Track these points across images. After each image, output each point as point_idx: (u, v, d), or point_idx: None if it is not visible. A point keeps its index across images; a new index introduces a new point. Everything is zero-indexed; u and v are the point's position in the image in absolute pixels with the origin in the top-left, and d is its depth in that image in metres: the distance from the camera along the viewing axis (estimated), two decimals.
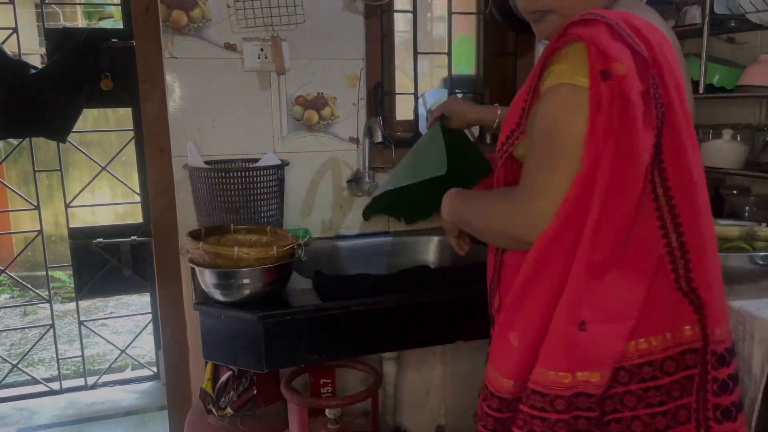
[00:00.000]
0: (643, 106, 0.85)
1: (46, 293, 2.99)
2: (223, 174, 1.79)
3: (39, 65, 2.60)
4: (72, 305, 4.02)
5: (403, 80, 2.30)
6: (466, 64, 2.43)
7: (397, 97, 2.23)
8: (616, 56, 0.84)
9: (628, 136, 0.85)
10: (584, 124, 0.86)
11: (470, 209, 1.10)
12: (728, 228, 1.51)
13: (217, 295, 1.45)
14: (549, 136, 0.89)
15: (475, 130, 2.25)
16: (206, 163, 1.87)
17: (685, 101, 0.91)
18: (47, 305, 2.99)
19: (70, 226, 2.76)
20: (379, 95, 2.09)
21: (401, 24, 2.35)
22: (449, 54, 2.25)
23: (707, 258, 0.93)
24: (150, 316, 3.00)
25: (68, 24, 4.68)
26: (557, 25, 0.96)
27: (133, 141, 2.73)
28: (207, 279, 1.44)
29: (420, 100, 2.23)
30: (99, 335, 3.20)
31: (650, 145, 0.87)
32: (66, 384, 2.99)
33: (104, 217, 4.35)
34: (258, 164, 1.86)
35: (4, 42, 2.58)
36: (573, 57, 0.88)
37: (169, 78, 1.92)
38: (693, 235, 0.92)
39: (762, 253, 1.40)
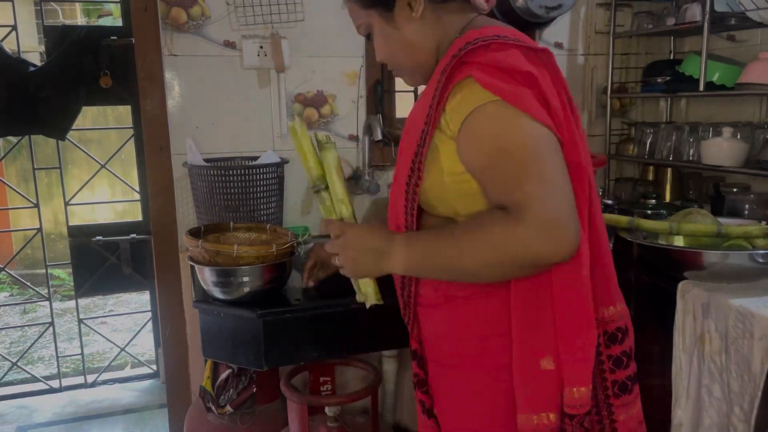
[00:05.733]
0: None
1: (46, 291, 2.99)
2: (222, 172, 1.78)
3: (38, 63, 2.60)
4: (71, 303, 4.02)
5: None
6: None
7: (396, 95, 2.22)
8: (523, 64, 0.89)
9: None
10: (529, 126, 0.87)
11: (443, 254, 0.93)
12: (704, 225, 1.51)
13: (217, 293, 1.45)
14: (505, 152, 0.87)
15: None
16: (206, 160, 1.87)
17: (574, 109, 0.98)
18: (47, 303, 2.99)
19: (70, 224, 2.75)
20: (379, 93, 2.09)
21: None
22: None
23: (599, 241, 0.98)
24: (149, 314, 3.00)
25: (67, 21, 4.68)
26: (424, 76, 1.03)
27: (132, 139, 2.73)
28: (206, 277, 1.44)
29: None
30: (98, 333, 3.20)
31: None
32: (65, 382, 2.99)
33: (104, 215, 4.35)
34: (257, 162, 1.86)
35: (3, 40, 2.57)
36: (470, 86, 0.89)
37: (168, 75, 1.92)
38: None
39: (762, 251, 1.40)
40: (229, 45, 1.95)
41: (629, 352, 1.02)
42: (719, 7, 1.82)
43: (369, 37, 1.08)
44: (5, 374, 3.06)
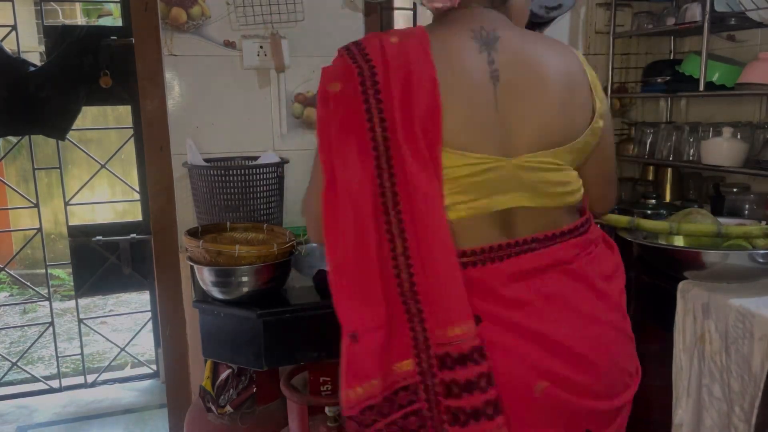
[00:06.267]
0: (353, 120, 0.90)
1: (46, 291, 2.99)
2: (222, 172, 1.78)
3: (38, 63, 2.60)
4: (71, 303, 4.02)
5: None
6: None
7: None
8: (331, 78, 0.94)
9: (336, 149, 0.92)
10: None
11: None
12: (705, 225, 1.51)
13: (216, 292, 1.45)
14: None
15: None
16: (206, 160, 1.87)
17: (413, 120, 0.88)
18: (47, 303, 2.99)
19: (70, 224, 2.75)
20: None
21: (401, 21, 2.35)
22: None
23: (432, 262, 0.90)
24: (149, 314, 2.99)
25: (67, 21, 4.68)
26: None
27: (132, 138, 2.73)
28: (205, 277, 1.44)
29: None
30: (98, 333, 3.20)
31: (358, 159, 0.90)
32: (65, 382, 2.99)
33: (103, 215, 4.35)
34: (257, 162, 1.86)
35: (3, 40, 2.57)
36: None
37: (168, 75, 1.92)
38: (417, 240, 0.90)
39: (762, 251, 1.40)
40: (229, 45, 1.95)
41: (461, 382, 0.89)
42: (719, 7, 1.82)
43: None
44: (5, 374, 3.06)
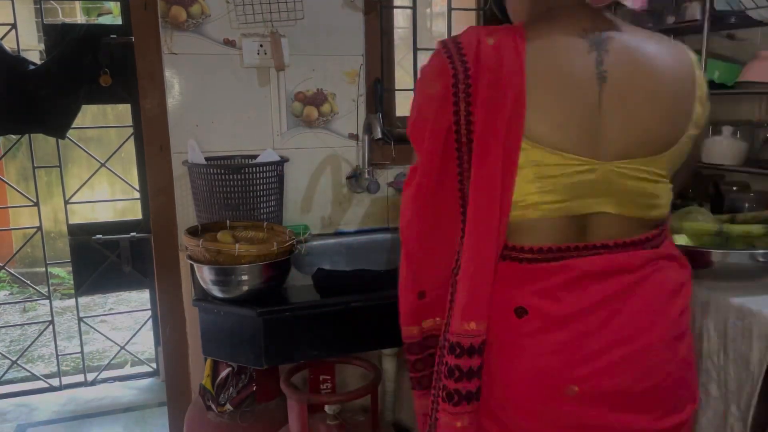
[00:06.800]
0: (446, 121, 0.96)
1: (46, 290, 2.99)
2: (222, 170, 1.78)
3: (38, 61, 2.60)
4: (71, 302, 4.02)
5: (402, 76, 2.30)
6: None
7: (396, 93, 2.22)
8: (429, 79, 0.98)
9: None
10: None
11: None
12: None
13: (216, 291, 1.45)
14: None
15: None
16: (205, 159, 1.87)
17: (496, 122, 0.92)
18: (47, 302, 2.99)
19: (70, 223, 2.76)
20: (379, 91, 2.08)
21: (401, 20, 2.35)
22: None
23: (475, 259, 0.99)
24: (149, 313, 3.00)
25: (67, 20, 4.67)
26: None
27: (132, 137, 2.73)
28: (205, 275, 1.44)
29: None
30: (98, 332, 3.21)
31: (439, 160, 0.98)
32: (65, 380, 2.99)
33: (103, 214, 4.34)
34: (257, 161, 1.86)
35: (2, 38, 2.57)
36: None
37: (168, 74, 1.92)
38: (471, 235, 0.98)
39: (762, 251, 1.40)
40: (229, 43, 1.94)
41: (464, 370, 0.98)
42: (719, 6, 1.82)
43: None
44: (5, 372, 3.07)
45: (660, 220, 1.03)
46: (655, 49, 0.98)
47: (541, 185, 0.93)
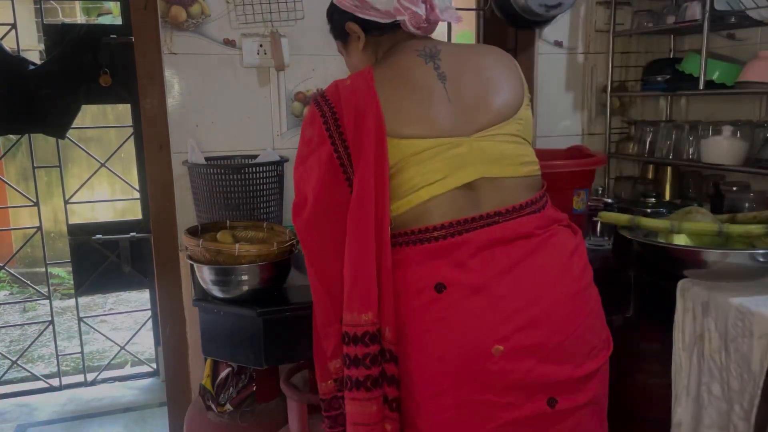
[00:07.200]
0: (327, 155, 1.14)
1: (46, 290, 2.99)
2: (222, 170, 1.78)
3: (38, 61, 2.60)
4: (71, 302, 4.02)
5: None
6: None
7: None
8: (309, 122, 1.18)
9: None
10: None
11: None
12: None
13: (216, 291, 1.45)
14: None
15: None
16: (205, 159, 1.87)
17: (366, 134, 1.11)
18: (47, 302, 2.99)
19: (70, 223, 2.76)
20: None
21: None
22: None
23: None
24: (149, 313, 3.00)
25: (67, 20, 4.67)
26: None
27: (132, 137, 2.73)
28: (205, 275, 1.44)
29: None
30: (98, 332, 3.21)
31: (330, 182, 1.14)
32: (65, 380, 2.99)
33: (103, 214, 4.35)
34: (257, 160, 1.86)
35: (2, 38, 2.57)
36: None
37: (168, 74, 1.92)
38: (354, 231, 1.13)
39: (762, 251, 1.40)
40: (229, 43, 1.94)
41: (366, 358, 1.10)
42: (719, 6, 1.82)
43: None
44: (5, 373, 3.07)
45: (537, 181, 1.21)
46: (474, 48, 1.32)
47: (421, 168, 1.11)
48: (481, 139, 1.14)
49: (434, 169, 1.11)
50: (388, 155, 1.10)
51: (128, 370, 3.18)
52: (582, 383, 1.11)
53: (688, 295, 1.45)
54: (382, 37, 1.25)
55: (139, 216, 2.79)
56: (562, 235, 1.18)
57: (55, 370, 3.08)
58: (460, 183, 1.11)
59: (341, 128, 1.13)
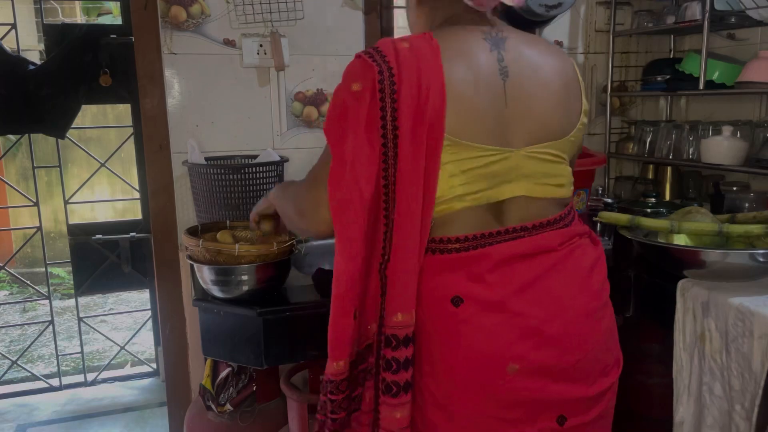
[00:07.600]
0: (369, 117, 0.97)
1: (46, 290, 2.99)
2: (222, 170, 1.78)
3: (38, 61, 2.60)
4: (71, 302, 4.02)
5: None
6: None
7: None
8: (353, 79, 0.98)
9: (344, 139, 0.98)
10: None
11: (281, 195, 1.30)
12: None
13: (216, 291, 1.45)
14: None
15: None
16: (205, 159, 1.87)
17: (423, 116, 0.95)
18: (47, 302, 2.99)
19: (70, 223, 2.76)
20: None
21: (401, 20, 2.34)
22: None
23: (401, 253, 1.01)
24: (149, 313, 3.00)
25: (67, 20, 4.67)
26: None
27: (132, 137, 2.73)
28: (205, 275, 1.44)
29: None
30: (98, 332, 3.21)
31: (365, 152, 0.97)
32: (65, 380, 2.99)
33: (103, 214, 4.35)
34: (257, 161, 1.86)
35: (2, 38, 2.57)
36: None
37: (168, 74, 1.92)
38: (397, 229, 1.00)
39: (762, 251, 1.40)
40: (229, 43, 1.94)
41: (401, 360, 1.03)
42: (719, 6, 1.82)
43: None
44: (5, 372, 3.07)
45: (566, 200, 1.12)
46: (543, 48, 1.10)
47: (465, 178, 1.00)
48: (528, 156, 1.03)
49: (476, 180, 1.00)
50: (442, 148, 0.97)
51: (128, 370, 3.18)
52: (594, 401, 1.08)
53: (689, 295, 1.45)
54: (438, 2, 1.10)
55: (139, 216, 2.79)
56: (583, 249, 1.11)
57: (55, 370, 3.08)
58: (497, 199, 1.03)
59: (396, 94, 0.96)
